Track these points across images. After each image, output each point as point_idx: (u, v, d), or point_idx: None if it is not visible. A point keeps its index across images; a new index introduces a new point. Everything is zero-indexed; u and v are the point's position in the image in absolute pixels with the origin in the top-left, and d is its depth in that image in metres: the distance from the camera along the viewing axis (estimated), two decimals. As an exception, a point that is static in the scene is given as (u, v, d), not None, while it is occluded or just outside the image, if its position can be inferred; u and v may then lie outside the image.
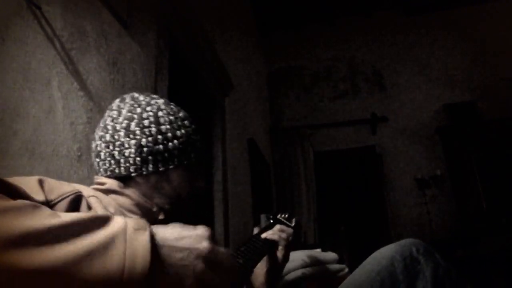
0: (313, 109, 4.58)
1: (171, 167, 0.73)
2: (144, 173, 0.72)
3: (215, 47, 2.49)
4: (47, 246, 0.35)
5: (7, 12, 0.88)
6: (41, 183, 0.59)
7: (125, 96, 0.79)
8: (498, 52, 4.21)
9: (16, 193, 0.50)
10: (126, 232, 0.40)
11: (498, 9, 4.32)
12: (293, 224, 0.96)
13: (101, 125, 0.76)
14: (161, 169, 0.72)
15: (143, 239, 0.40)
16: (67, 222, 0.38)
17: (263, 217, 3.32)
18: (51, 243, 0.35)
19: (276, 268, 0.85)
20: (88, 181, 1.00)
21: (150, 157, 0.71)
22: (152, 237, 0.41)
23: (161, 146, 0.72)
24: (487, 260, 3.17)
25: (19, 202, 0.39)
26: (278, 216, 0.99)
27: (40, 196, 0.56)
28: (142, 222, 0.43)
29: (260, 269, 0.83)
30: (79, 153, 1.08)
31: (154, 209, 0.74)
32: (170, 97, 1.65)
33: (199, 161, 0.79)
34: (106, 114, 0.77)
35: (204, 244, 0.44)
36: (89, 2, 1.21)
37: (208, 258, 0.43)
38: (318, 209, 4.01)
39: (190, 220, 0.78)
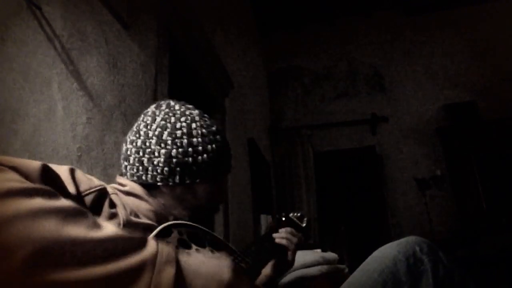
0: (313, 109, 4.58)
1: (197, 180, 0.73)
2: (171, 184, 0.72)
3: (215, 47, 2.49)
4: (80, 262, 0.35)
5: (7, 12, 0.88)
6: (72, 172, 0.59)
7: (161, 102, 0.79)
8: (498, 52, 4.21)
9: (56, 182, 0.51)
10: (155, 262, 0.40)
11: (498, 9, 4.32)
12: (304, 224, 0.96)
13: (134, 129, 0.75)
14: (187, 181, 0.72)
15: (170, 273, 0.40)
16: (107, 237, 0.38)
17: (263, 217, 3.31)
18: (86, 260, 0.35)
19: (279, 271, 0.84)
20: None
21: (178, 169, 0.71)
22: (178, 270, 0.41)
23: (190, 159, 0.71)
24: (487, 260, 3.17)
25: (67, 204, 0.39)
26: (290, 215, 0.99)
27: (71, 187, 0.57)
28: (171, 253, 0.42)
29: (264, 269, 0.82)
30: (79, 153, 1.08)
31: (170, 219, 0.73)
32: (170, 97, 1.64)
33: (225, 177, 0.79)
34: (141, 118, 0.77)
35: (226, 274, 0.44)
36: (89, 2, 1.21)
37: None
38: (318, 209, 4.01)
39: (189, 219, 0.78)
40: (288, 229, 0.85)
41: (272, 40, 4.85)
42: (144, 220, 0.67)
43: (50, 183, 0.49)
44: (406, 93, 4.41)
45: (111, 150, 1.24)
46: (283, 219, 0.95)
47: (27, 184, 0.39)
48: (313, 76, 4.70)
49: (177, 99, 0.82)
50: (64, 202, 0.39)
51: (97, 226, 0.39)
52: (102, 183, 0.64)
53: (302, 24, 4.75)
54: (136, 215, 0.68)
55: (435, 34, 4.50)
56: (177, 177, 0.71)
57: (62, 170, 0.58)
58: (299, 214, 0.99)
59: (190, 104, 0.81)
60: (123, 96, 1.35)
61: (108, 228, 0.40)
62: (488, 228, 3.45)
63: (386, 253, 0.87)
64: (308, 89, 4.67)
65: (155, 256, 0.40)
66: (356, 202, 4.14)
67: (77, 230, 0.36)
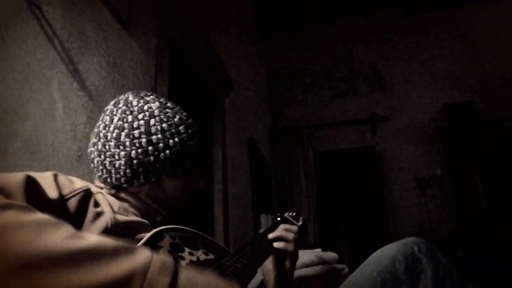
0: (313, 109, 4.58)
1: (163, 177, 0.72)
2: (136, 184, 0.71)
3: (215, 47, 2.49)
4: (62, 272, 0.33)
5: (7, 12, 0.88)
6: (56, 178, 0.59)
7: (120, 99, 0.76)
8: (498, 52, 4.21)
9: (38, 191, 0.51)
10: (147, 272, 0.37)
11: (498, 9, 4.32)
12: (300, 223, 0.96)
13: (95, 130, 0.75)
14: (152, 179, 0.71)
15: (163, 284, 0.37)
16: (88, 246, 0.36)
17: (263, 217, 3.31)
18: (67, 269, 0.34)
19: (285, 271, 0.82)
20: (88, 181, 1.00)
21: (140, 169, 0.70)
22: (173, 281, 0.38)
23: (151, 158, 0.70)
24: (487, 260, 3.17)
25: (41, 217, 0.38)
26: (286, 215, 0.98)
27: (54, 192, 0.57)
28: (169, 263, 0.39)
29: (270, 272, 0.81)
30: (79, 153, 1.08)
31: (152, 211, 0.74)
32: (170, 97, 1.65)
33: (194, 167, 0.77)
34: (100, 118, 0.76)
35: None
36: (89, 2, 1.21)
37: None
38: (318, 209, 4.01)
39: (189, 219, 0.78)
40: (282, 225, 0.84)
41: (272, 40, 4.84)
42: (132, 217, 0.67)
43: (33, 194, 0.49)
44: (406, 93, 4.41)
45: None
46: (278, 219, 0.95)
47: (1, 200, 0.38)
48: (313, 76, 4.70)
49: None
50: (39, 215, 0.38)
51: (77, 236, 0.37)
52: (86, 184, 0.64)
53: (302, 24, 4.75)
54: (125, 210, 0.68)
55: (435, 34, 4.50)
56: (141, 177, 0.71)
57: (46, 177, 0.58)
58: (294, 214, 0.99)
59: (151, 95, 0.78)
60: (123, 96, 1.35)
61: (91, 238, 0.38)
62: (488, 228, 3.45)
63: (385, 253, 0.87)
64: (308, 89, 4.67)
65: (146, 266, 0.37)
66: (356, 202, 4.14)
67: (54, 241, 0.35)
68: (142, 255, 0.39)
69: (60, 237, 0.36)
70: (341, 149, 4.37)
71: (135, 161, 0.69)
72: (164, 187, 0.73)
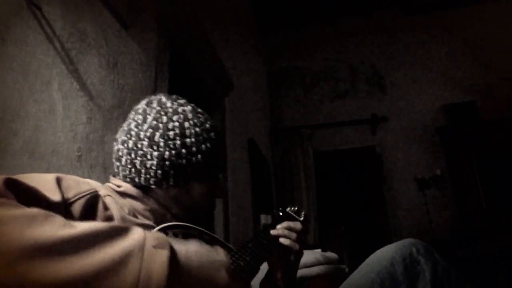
0: (313, 109, 4.58)
1: (192, 181, 0.72)
2: (164, 186, 0.70)
3: (215, 47, 2.49)
4: (58, 259, 0.34)
5: (7, 12, 0.88)
6: (58, 181, 0.57)
7: (152, 99, 0.76)
8: (498, 52, 4.21)
9: (30, 193, 0.49)
10: (143, 248, 0.38)
11: (498, 9, 4.32)
12: (302, 218, 0.95)
13: (125, 128, 0.73)
14: (181, 183, 0.71)
15: (161, 259, 0.38)
16: (80, 233, 0.36)
17: (263, 217, 3.31)
18: (62, 256, 0.34)
19: (291, 265, 0.81)
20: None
21: (172, 171, 0.69)
22: (172, 256, 0.39)
23: (184, 161, 0.69)
24: (487, 260, 3.17)
25: (31, 210, 0.37)
26: (288, 210, 0.98)
27: (56, 195, 0.54)
28: (163, 238, 0.40)
29: (277, 265, 0.80)
30: (79, 153, 1.08)
31: (168, 217, 0.72)
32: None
33: (219, 175, 0.77)
34: (131, 116, 0.74)
35: (222, 275, 0.44)
36: (89, 2, 1.21)
37: None
38: (318, 209, 4.01)
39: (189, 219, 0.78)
40: (285, 223, 0.83)
41: (272, 40, 4.85)
42: (141, 220, 0.66)
43: (17, 195, 0.47)
44: (406, 93, 4.41)
45: (111, 150, 1.24)
46: (281, 214, 0.95)
47: None
48: (313, 76, 4.70)
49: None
50: (29, 209, 0.37)
51: (69, 224, 0.37)
52: (93, 187, 0.62)
53: (302, 24, 4.76)
54: (135, 215, 0.66)
55: (435, 34, 4.50)
56: (171, 179, 0.70)
57: (48, 179, 0.57)
58: (296, 208, 0.99)
59: (182, 99, 0.78)
60: (123, 96, 1.36)
61: (82, 225, 0.38)
62: (488, 228, 3.45)
63: (384, 254, 0.88)
64: (308, 89, 4.67)
65: (141, 243, 0.38)
66: (356, 202, 4.14)
67: (45, 231, 0.35)
68: (136, 233, 0.39)
69: (52, 226, 0.36)
70: (341, 149, 4.37)
71: (167, 163, 0.68)
72: (190, 192, 0.72)
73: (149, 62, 1.58)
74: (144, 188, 0.70)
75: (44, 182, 0.55)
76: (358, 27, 4.73)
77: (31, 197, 0.49)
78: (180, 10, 1.93)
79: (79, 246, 0.35)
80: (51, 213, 0.38)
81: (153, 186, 0.70)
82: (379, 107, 4.40)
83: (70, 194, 0.57)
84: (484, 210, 3.59)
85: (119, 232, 0.39)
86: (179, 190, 0.71)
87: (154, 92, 1.59)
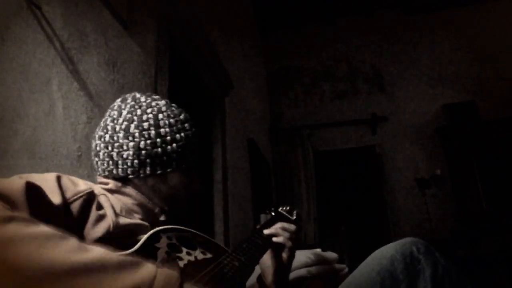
0: (313, 109, 4.58)
1: (168, 170, 0.74)
2: (142, 175, 0.72)
3: (215, 47, 2.49)
4: (66, 286, 0.33)
5: (7, 12, 0.88)
6: (58, 181, 0.59)
7: (127, 96, 0.79)
8: (498, 52, 4.21)
9: (44, 201, 0.51)
10: (152, 286, 0.37)
11: (498, 9, 4.32)
12: (294, 217, 0.95)
13: (102, 124, 0.76)
14: (158, 172, 0.73)
15: None
16: (92, 260, 0.36)
17: (263, 217, 3.32)
18: (71, 283, 0.34)
19: (283, 266, 0.82)
20: (88, 181, 1.00)
21: (148, 160, 0.72)
22: None
23: (159, 150, 0.72)
24: (487, 260, 3.17)
25: (46, 230, 0.37)
26: (280, 209, 0.98)
27: (57, 197, 0.56)
28: (175, 277, 0.40)
29: (269, 268, 0.81)
30: (79, 153, 1.08)
31: (156, 210, 0.74)
32: (170, 97, 1.65)
33: (196, 164, 0.79)
34: (107, 113, 0.77)
35: None
36: (89, 2, 1.21)
37: None
38: (318, 209, 4.01)
39: (189, 219, 0.78)
40: (279, 224, 0.83)
41: (272, 40, 4.85)
42: (133, 219, 0.67)
43: (36, 202, 0.48)
44: (406, 93, 4.41)
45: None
46: (273, 213, 0.95)
47: (3, 212, 0.38)
48: (313, 76, 4.70)
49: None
50: (43, 228, 0.37)
51: (81, 249, 0.37)
52: (89, 186, 0.64)
53: (302, 24, 4.75)
54: (127, 212, 0.68)
55: (435, 34, 4.50)
56: (148, 168, 0.72)
57: (49, 179, 0.58)
58: (288, 208, 0.99)
59: (157, 95, 0.81)
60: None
61: (95, 251, 0.38)
62: (488, 228, 3.45)
63: (384, 253, 0.88)
64: (308, 89, 4.67)
65: (151, 280, 0.37)
66: (356, 202, 4.14)
67: (58, 254, 0.35)
68: (147, 269, 0.39)
69: (64, 250, 0.36)
70: (341, 149, 4.37)
71: (143, 152, 0.71)
72: (167, 181, 0.75)
73: (149, 62, 1.58)
74: (123, 180, 0.72)
75: (46, 183, 0.56)
76: (358, 27, 4.73)
77: (40, 203, 0.50)
78: (180, 10, 1.93)
79: (89, 274, 0.35)
80: (65, 234, 0.38)
81: (131, 176, 0.72)
82: (379, 107, 4.40)
83: (68, 194, 0.59)
84: (484, 210, 3.59)
85: (130, 265, 0.38)
86: (156, 179, 0.74)
87: (154, 91, 1.59)
